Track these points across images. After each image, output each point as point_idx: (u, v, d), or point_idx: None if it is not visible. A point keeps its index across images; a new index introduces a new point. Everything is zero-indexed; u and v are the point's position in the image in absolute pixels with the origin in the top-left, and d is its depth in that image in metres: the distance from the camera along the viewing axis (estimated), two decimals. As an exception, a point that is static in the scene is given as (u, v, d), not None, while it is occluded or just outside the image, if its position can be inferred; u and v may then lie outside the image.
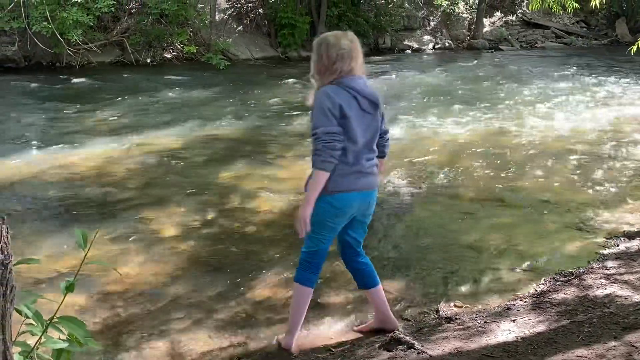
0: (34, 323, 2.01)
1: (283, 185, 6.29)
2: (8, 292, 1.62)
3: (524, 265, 4.49)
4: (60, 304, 2.00)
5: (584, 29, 24.10)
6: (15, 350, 1.87)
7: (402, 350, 3.21)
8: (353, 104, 3.07)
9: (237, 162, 7.36)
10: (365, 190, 3.19)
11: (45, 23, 13.84)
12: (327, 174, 3.00)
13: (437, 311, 3.81)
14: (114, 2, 15.00)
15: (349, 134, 3.06)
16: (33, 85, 12.86)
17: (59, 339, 2.04)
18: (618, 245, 4.77)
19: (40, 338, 1.99)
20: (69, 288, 2.03)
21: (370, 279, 3.45)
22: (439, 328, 3.56)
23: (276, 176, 6.74)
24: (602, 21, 23.86)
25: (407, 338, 3.30)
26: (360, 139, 3.12)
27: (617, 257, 4.51)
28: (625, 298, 3.70)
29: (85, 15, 14.35)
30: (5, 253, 1.61)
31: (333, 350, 3.38)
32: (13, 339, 1.80)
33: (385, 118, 3.36)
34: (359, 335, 3.57)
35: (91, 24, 14.63)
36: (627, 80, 13.64)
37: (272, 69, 16.21)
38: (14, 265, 1.69)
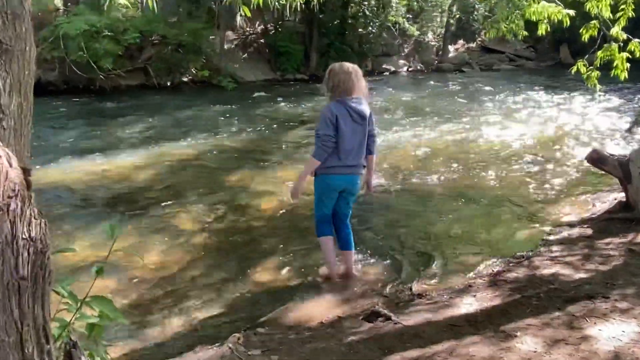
0: (69, 302, 2.01)
1: (281, 187, 6.28)
2: (47, 275, 1.62)
3: (483, 250, 4.50)
4: (92, 285, 2.00)
5: (533, 53, 24.18)
6: (53, 325, 1.87)
7: (380, 321, 3.22)
8: (347, 117, 3.60)
9: (243, 168, 7.35)
10: (348, 175, 3.73)
11: (80, 53, 13.78)
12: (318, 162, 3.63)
13: (411, 289, 3.81)
14: (139, 35, 14.98)
15: (341, 138, 3.58)
16: (71, 105, 12.81)
17: (92, 315, 2.04)
18: (561, 233, 4.77)
19: (75, 314, 1.99)
20: (99, 272, 2.03)
21: (347, 244, 3.92)
22: (412, 303, 3.56)
23: (276, 179, 6.73)
24: (547, 46, 23.92)
25: (385, 311, 3.30)
26: (348, 142, 3.61)
27: (560, 242, 4.52)
28: (567, 276, 3.71)
29: (115, 45, 14.31)
30: (45, 242, 1.61)
31: (324, 322, 3.39)
32: (52, 316, 1.79)
33: (374, 125, 3.82)
34: (344, 308, 3.58)
35: (120, 53, 14.58)
36: (568, 96, 13.68)
37: (272, 89, 16.19)
38: (53, 253, 1.69)
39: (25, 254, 1.53)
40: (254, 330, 3.28)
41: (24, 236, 1.53)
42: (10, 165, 1.56)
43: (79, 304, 1.96)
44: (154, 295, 3.82)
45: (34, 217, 1.59)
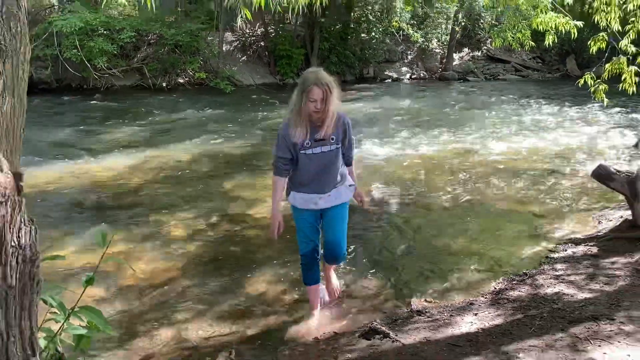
0: (57, 312, 1.99)
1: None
2: (35, 284, 1.61)
3: (485, 266, 4.50)
4: (81, 295, 1.99)
5: (539, 63, 24.27)
6: (40, 335, 1.86)
7: (378, 339, 3.21)
8: None
9: (238, 174, 7.35)
10: None
11: (75, 51, 13.82)
12: None
13: (410, 305, 3.81)
14: (135, 34, 15.02)
15: None
16: (63, 104, 12.82)
17: (80, 326, 2.03)
18: (566, 250, 4.78)
19: (62, 325, 1.98)
20: (89, 281, 2.02)
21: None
22: (411, 320, 3.56)
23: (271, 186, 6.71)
24: (554, 57, 24.03)
25: (383, 328, 3.30)
26: None
27: (565, 260, 4.52)
28: (571, 296, 3.71)
29: (110, 44, 14.36)
30: (34, 250, 1.60)
31: (319, 338, 3.38)
32: (39, 326, 1.78)
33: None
34: (341, 324, 3.56)
35: (115, 52, 14.65)
36: (574, 109, 13.69)
37: (271, 94, 16.21)
38: (42, 261, 1.68)
39: (14, 262, 1.52)
40: (246, 345, 3.27)
41: (13, 244, 1.52)
42: (1, 170, 1.55)
43: (67, 314, 1.95)
44: (143, 305, 3.80)
45: (24, 224, 1.58)
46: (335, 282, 3.94)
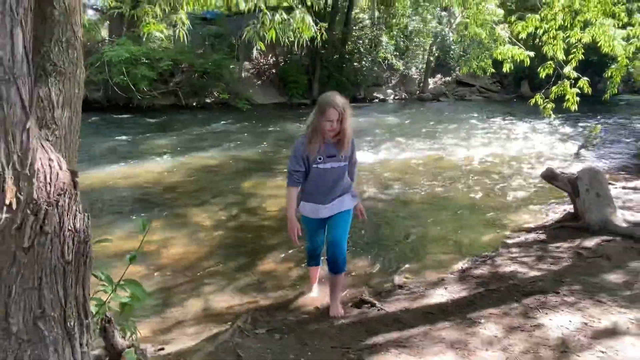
0: (106, 284, 2.00)
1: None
2: (87, 261, 1.61)
3: (454, 250, 4.49)
4: (125, 271, 1.99)
5: (499, 87, 24.21)
6: (92, 303, 1.86)
7: (367, 307, 3.22)
8: None
9: (254, 175, 7.35)
10: None
11: (122, 76, 13.79)
12: None
13: (393, 281, 3.81)
14: (171, 63, 15.02)
15: None
16: (112, 120, 12.83)
17: (124, 296, 2.04)
18: (519, 237, 4.77)
19: (110, 295, 1.99)
20: (131, 259, 2.03)
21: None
22: (394, 293, 3.56)
23: (282, 186, 6.71)
24: (511, 82, 23.97)
25: (371, 299, 3.30)
26: None
27: (519, 245, 4.53)
28: (524, 274, 3.72)
29: (151, 71, 14.34)
30: (86, 234, 1.61)
31: (319, 307, 3.37)
32: (91, 295, 1.79)
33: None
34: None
35: (155, 77, 14.62)
36: (527, 123, 13.68)
37: (281, 111, 16.22)
38: (93, 243, 1.69)
39: (70, 243, 1.53)
40: (260, 313, 3.27)
41: (69, 227, 1.53)
42: (61, 168, 1.56)
43: (114, 286, 1.96)
44: (176, 280, 3.80)
45: (79, 212, 1.59)
46: (337, 306, 3.17)
